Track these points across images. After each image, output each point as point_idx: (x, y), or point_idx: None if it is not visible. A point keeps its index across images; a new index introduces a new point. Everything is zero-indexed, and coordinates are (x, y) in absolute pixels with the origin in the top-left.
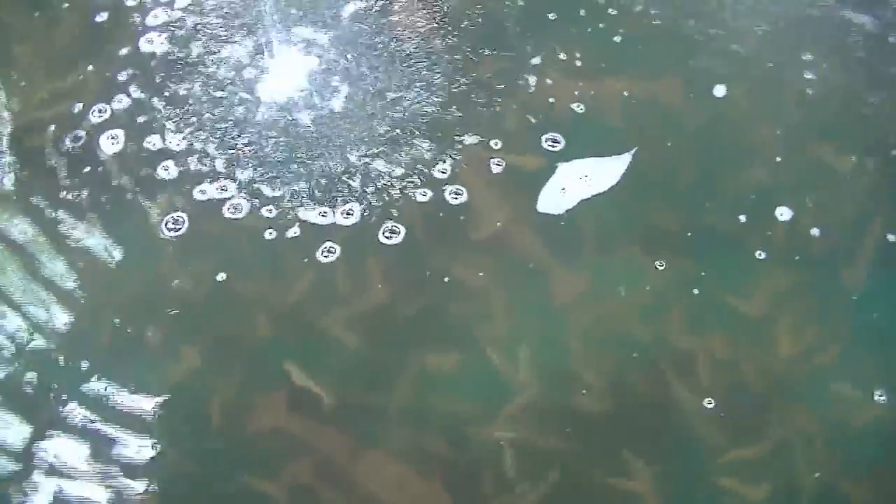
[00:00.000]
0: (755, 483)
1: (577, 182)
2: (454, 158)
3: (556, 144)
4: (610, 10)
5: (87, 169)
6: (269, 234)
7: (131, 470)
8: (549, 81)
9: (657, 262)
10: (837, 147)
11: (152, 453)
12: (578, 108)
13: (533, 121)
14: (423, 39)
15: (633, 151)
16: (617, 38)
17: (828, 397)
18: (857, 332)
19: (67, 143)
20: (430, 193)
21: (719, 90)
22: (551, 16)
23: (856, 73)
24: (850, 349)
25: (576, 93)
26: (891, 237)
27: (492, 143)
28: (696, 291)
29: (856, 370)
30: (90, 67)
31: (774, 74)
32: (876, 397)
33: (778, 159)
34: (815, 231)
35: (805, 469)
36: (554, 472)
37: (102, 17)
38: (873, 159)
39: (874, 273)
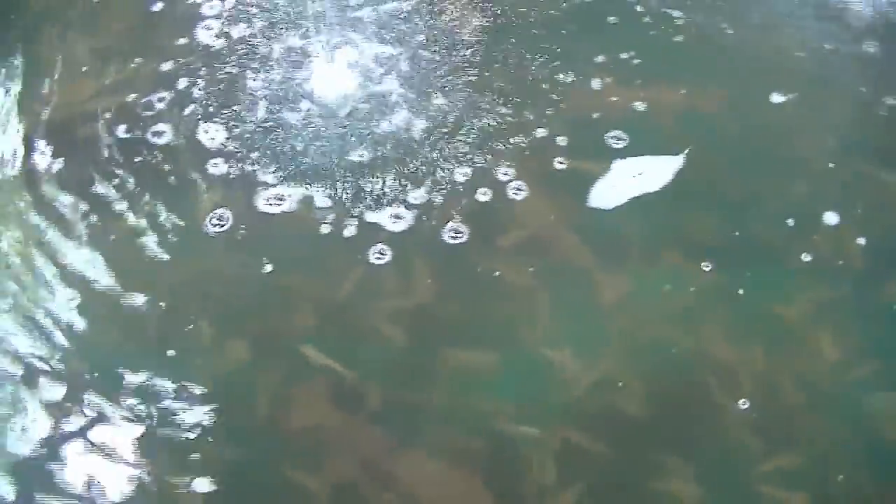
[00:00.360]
0: (794, 490)
1: (629, 179)
2: (516, 157)
3: (619, 141)
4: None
5: (138, 160)
6: (324, 230)
7: (174, 462)
8: (608, 81)
9: (703, 265)
10: (887, 159)
11: (196, 446)
12: (640, 106)
13: (596, 118)
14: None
15: (686, 152)
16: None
17: (866, 410)
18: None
19: (119, 133)
20: (490, 192)
21: (775, 98)
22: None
23: None
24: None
25: (638, 94)
26: None
27: (558, 140)
28: (739, 296)
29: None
30: (141, 59)
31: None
32: None
33: (828, 168)
34: (860, 240)
35: (841, 481)
36: (593, 473)
37: (158, 6)
38: None
39: None
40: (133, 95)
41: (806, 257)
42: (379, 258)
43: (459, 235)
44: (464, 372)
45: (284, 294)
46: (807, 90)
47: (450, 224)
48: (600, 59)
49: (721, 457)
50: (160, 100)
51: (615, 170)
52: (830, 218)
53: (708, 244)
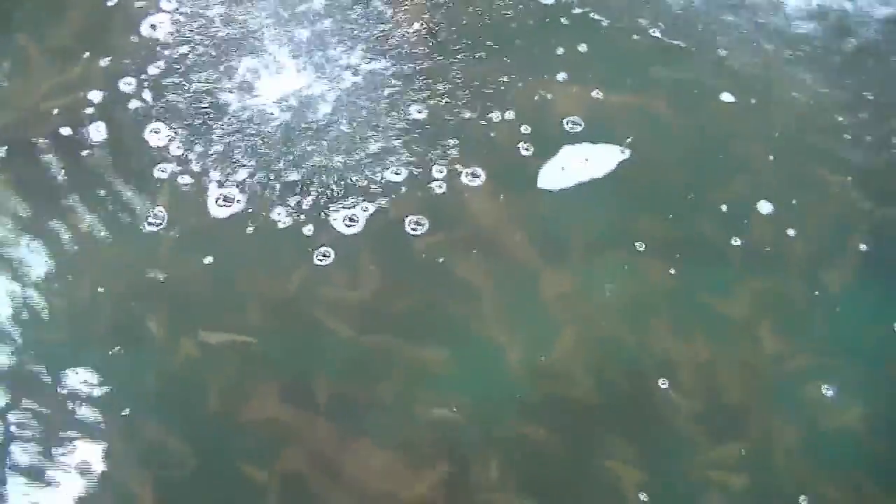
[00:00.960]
0: (735, 473)
1: (577, 164)
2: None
3: (576, 126)
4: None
5: (83, 157)
6: (271, 227)
7: (126, 457)
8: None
9: (645, 257)
10: (826, 159)
11: (148, 441)
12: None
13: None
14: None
15: (629, 140)
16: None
17: (805, 400)
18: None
19: (67, 133)
20: (442, 185)
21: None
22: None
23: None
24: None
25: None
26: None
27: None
28: (681, 288)
29: (833, 374)
30: (93, 55)
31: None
32: (851, 401)
33: (767, 162)
34: (792, 232)
35: (780, 467)
36: (538, 463)
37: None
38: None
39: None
40: (81, 93)
41: (743, 248)
42: (325, 255)
43: (418, 228)
44: (411, 365)
45: (232, 290)
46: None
47: (401, 217)
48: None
49: (664, 445)
50: (107, 98)
51: (566, 154)
52: (766, 209)
53: (651, 236)
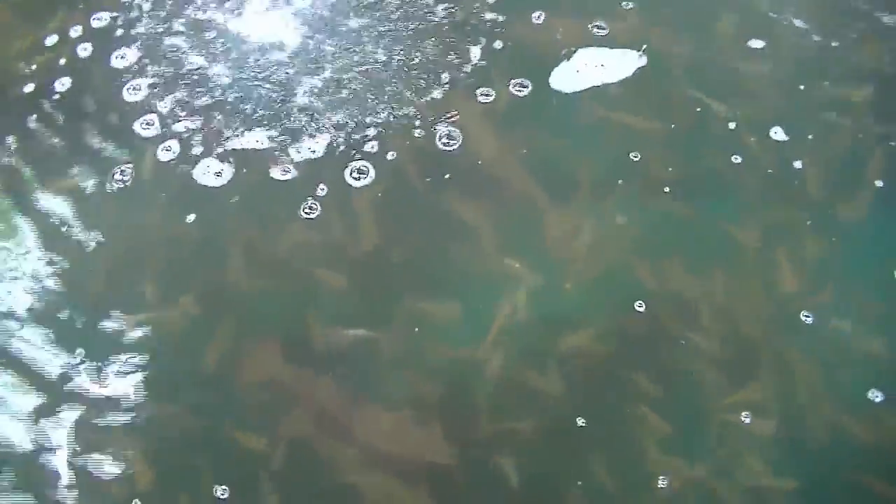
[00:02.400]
0: (760, 418)
1: (592, 68)
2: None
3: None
4: None
5: (62, 121)
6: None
7: (124, 426)
8: None
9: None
10: (838, 85)
11: (147, 407)
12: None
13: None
14: None
15: (644, 48)
16: None
17: (827, 335)
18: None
19: (40, 89)
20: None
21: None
22: None
23: None
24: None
25: None
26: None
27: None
28: (695, 223)
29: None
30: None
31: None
32: (872, 336)
33: (787, 89)
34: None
35: (805, 406)
36: (550, 413)
37: None
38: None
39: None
40: (61, 52)
41: (758, 178)
42: (312, 208)
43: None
44: (415, 317)
45: (221, 247)
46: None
47: (399, 162)
48: None
49: (685, 391)
50: (85, 55)
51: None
52: (781, 136)
53: (664, 168)
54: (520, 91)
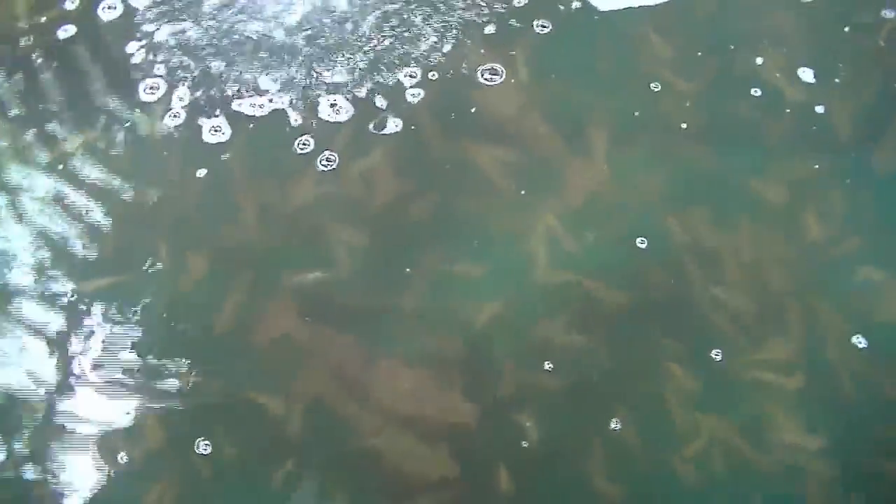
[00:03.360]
0: (787, 376)
1: None
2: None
3: None
4: None
5: (65, 73)
6: (254, 134)
7: (135, 386)
8: None
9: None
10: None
11: (158, 368)
12: None
13: None
14: None
15: None
16: None
17: (856, 287)
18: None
19: (46, 47)
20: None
21: None
22: None
23: None
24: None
25: None
26: None
27: None
28: (720, 174)
29: (883, 258)
30: None
31: None
32: None
33: (814, 31)
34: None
35: (834, 362)
36: (576, 371)
37: None
38: None
39: None
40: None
41: (784, 125)
42: (329, 160)
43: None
44: (434, 272)
45: (233, 203)
46: None
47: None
48: None
49: (710, 346)
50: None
51: None
52: (809, 78)
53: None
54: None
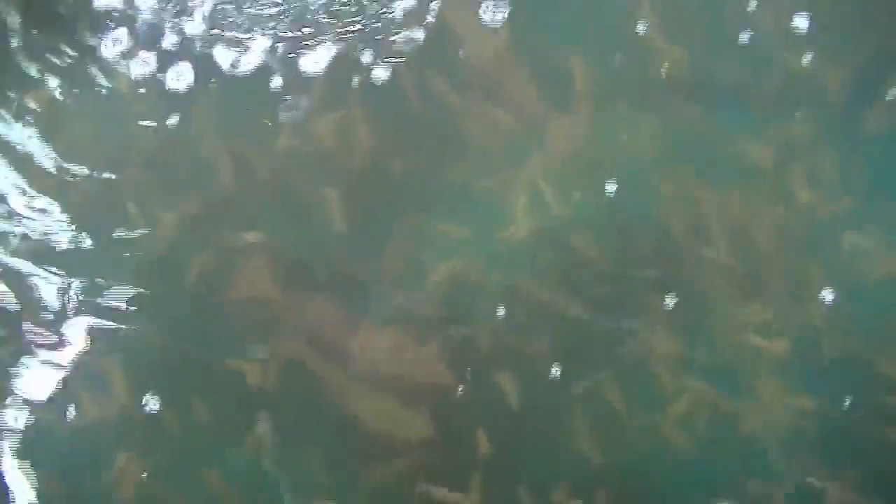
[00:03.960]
0: (773, 338)
1: None
2: None
3: None
4: None
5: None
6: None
7: (108, 346)
8: None
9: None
10: None
11: (132, 327)
12: None
13: None
14: None
15: None
16: None
17: (845, 249)
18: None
19: None
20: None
21: None
22: None
23: None
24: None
25: None
26: None
27: None
28: (710, 134)
29: (872, 220)
30: None
31: None
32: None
33: None
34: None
35: (819, 326)
36: (557, 330)
37: None
38: None
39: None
40: None
41: (773, 83)
42: (306, 112)
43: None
44: (413, 230)
45: (203, 155)
46: None
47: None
48: None
49: (697, 306)
50: None
51: None
52: (802, 25)
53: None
54: None
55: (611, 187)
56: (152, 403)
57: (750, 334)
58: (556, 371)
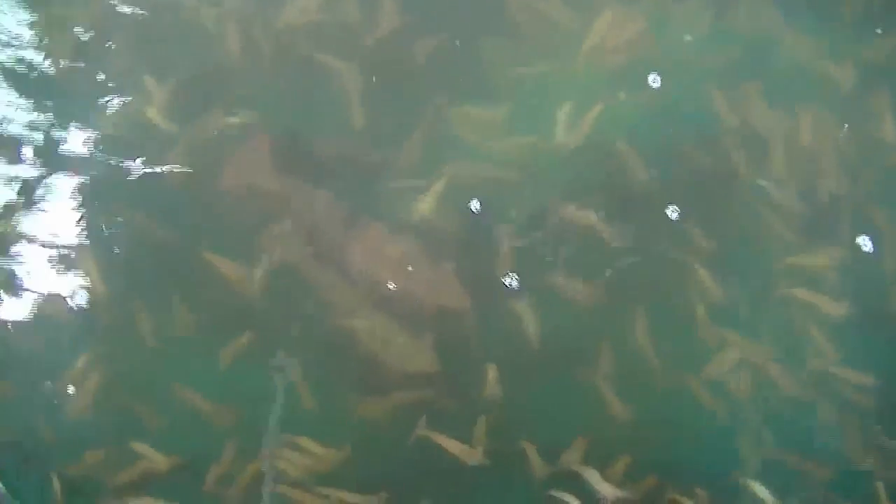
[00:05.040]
0: (832, 294)
1: None
2: None
3: None
4: None
5: None
6: None
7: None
8: None
9: None
10: None
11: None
12: None
13: None
14: None
15: None
16: None
17: None
18: None
19: None
20: None
21: None
22: None
23: None
24: None
25: None
26: None
27: None
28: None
29: None
30: None
31: None
32: None
33: None
34: None
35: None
36: (590, 254)
37: None
38: None
39: None
40: None
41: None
42: None
43: None
44: (436, 120)
45: (215, 26)
46: None
47: None
48: None
49: (748, 249)
50: None
51: None
52: None
53: None
54: None
55: (665, 96)
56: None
57: (806, 288)
58: (584, 307)
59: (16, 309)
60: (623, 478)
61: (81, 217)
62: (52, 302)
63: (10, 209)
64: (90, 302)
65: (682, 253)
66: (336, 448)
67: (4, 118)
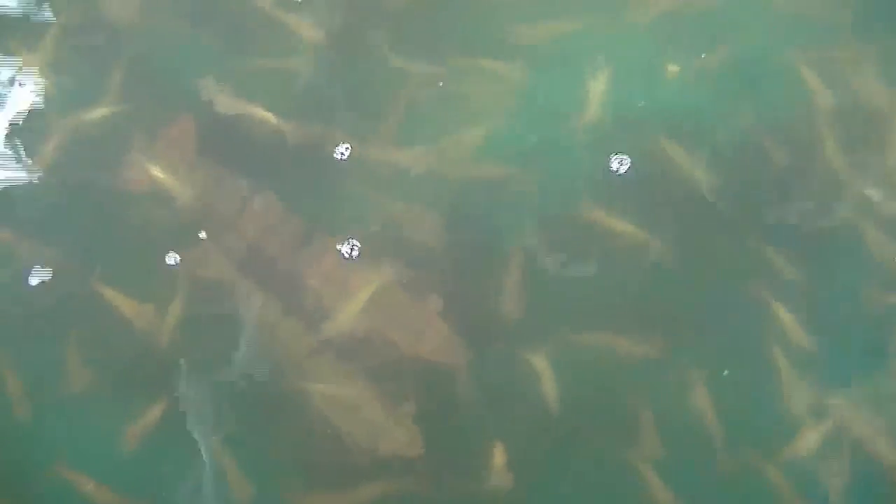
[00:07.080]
0: None
1: None
2: None
3: None
4: None
5: None
6: None
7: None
8: None
9: None
10: None
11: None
12: None
13: None
14: None
15: None
16: None
17: None
18: None
19: None
20: None
21: None
22: None
23: None
24: None
25: None
26: None
27: None
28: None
29: None
30: None
31: None
32: None
33: None
34: None
35: None
36: (623, 277)
37: None
38: None
39: None
40: None
41: None
42: None
43: None
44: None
45: None
46: None
47: None
48: None
49: (839, 274)
50: None
51: None
52: None
53: None
54: None
55: (733, 65)
56: None
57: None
58: (618, 350)
59: None
60: None
61: None
62: None
63: None
64: None
65: (758, 286)
66: None
67: None
